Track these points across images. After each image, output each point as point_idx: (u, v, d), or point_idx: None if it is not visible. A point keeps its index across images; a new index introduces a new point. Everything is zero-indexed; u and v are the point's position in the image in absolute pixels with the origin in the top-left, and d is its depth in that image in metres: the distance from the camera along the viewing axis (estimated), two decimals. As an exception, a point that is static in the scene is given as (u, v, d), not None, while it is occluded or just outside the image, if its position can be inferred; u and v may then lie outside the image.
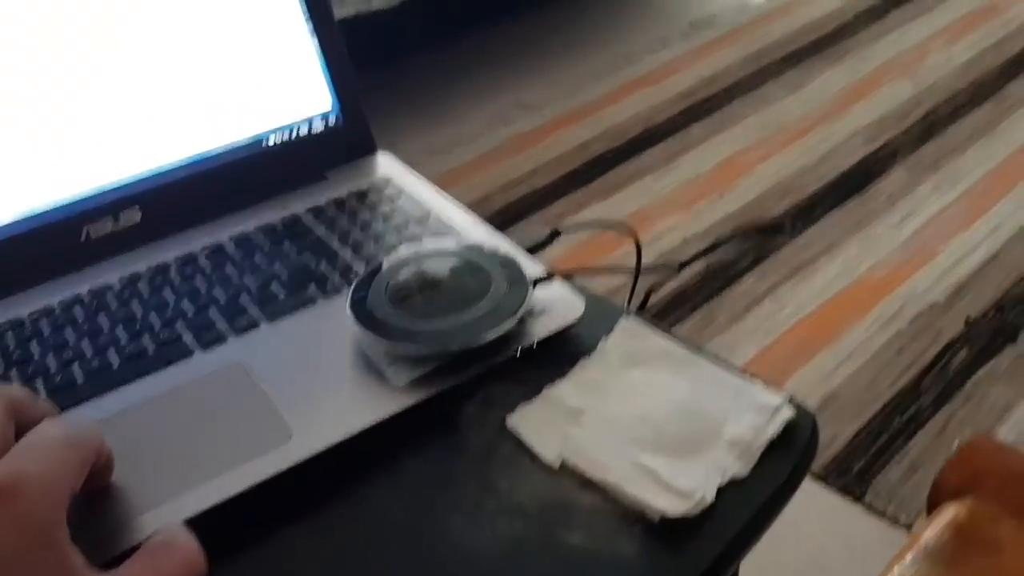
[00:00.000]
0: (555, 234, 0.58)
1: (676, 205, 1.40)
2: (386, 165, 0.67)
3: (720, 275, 1.24)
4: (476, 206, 1.44)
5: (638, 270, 0.58)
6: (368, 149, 0.68)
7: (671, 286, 1.22)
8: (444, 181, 1.56)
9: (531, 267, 0.52)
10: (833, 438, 0.99)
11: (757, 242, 1.31)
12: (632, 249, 0.61)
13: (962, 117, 1.57)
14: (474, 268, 0.50)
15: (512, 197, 1.46)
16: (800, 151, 1.51)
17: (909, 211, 1.34)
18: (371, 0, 1.58)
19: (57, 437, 0.34)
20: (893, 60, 1.78)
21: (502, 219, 1.41)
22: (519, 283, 0.49)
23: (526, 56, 1.96)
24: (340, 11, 1.56)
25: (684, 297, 1.21)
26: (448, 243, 0.53)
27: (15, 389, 0.36)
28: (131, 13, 0.58)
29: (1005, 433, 0.99)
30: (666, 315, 1.18)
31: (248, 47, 0.62)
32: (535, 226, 1.39)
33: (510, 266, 0.50)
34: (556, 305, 0.50)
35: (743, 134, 1.58)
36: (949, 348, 1.10)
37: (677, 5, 2.17)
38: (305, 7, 0.64)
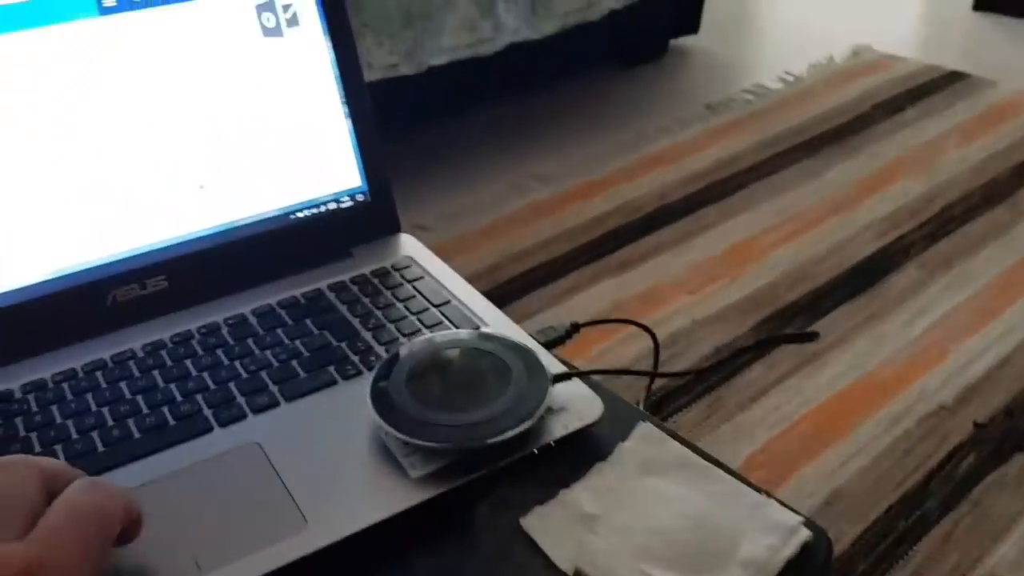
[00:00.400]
0: (574, 329, 0.58)
1: (688, 286, 1.41)
2: (409, 245, 0.68)
3: (729, 361, 1.24)
4: (487, 273, 1.45)
5: (655, 373, 0.59)
6: (392, 228, 0.69)
7: (675, 369, 1.22)
8: (456, 246, 1.59)
9: (551, 362, 0.53)
10: (837, 539, 0.98)
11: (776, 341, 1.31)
12: (647, 343, 0.61)
13: (975, 217, 1.58)
14: (494, 361, 0.50)
15: (524, 267, 1.47)
16: (813, 240, 1.52)
17: (920, 309, 1.35)
18: (398, 66, 1.61)
19: (85, 510, 0.35)
20: (908, 155, 1.80)
21: (513, 288, 1.42)
22: (539, 379, 0.49)
23: (544, 129, 1.99)
24: (368, 75, 1.59)
25: (692, 382, 1.21)
26: (469, 333, 0.53)
27: (48, 461, 0.36)
28: (170, 85, 0.59)
29: (1010, 546, 0.98)
30: (673, 399, 1.18)
31: (283, 122, 0.64)
32: (546, 299, 1.39)
33: (530, 361, 0.50)
34: (574, 404, 0.50)
35: (757, 219, 1.59)
36: (956, 452, 1.10)
37: (694, 87, 2.21)
38: (342, 88, 0.66)
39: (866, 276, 1.43)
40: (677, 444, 0.47)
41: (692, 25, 2.39)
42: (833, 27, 2.54)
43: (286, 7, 0.64)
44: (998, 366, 1.23)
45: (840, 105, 2.03)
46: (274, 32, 0.63)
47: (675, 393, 1.19)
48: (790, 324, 1.33)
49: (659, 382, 1.18)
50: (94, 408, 0.52)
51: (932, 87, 2.11)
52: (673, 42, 2.42)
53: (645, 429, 0.48)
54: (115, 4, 0.58)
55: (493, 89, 2.06)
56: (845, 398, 1.19)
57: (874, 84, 2.14)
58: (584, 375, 0.51)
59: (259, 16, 0.62)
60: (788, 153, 1.82)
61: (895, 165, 1.77)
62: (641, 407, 0.52)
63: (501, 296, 1.39)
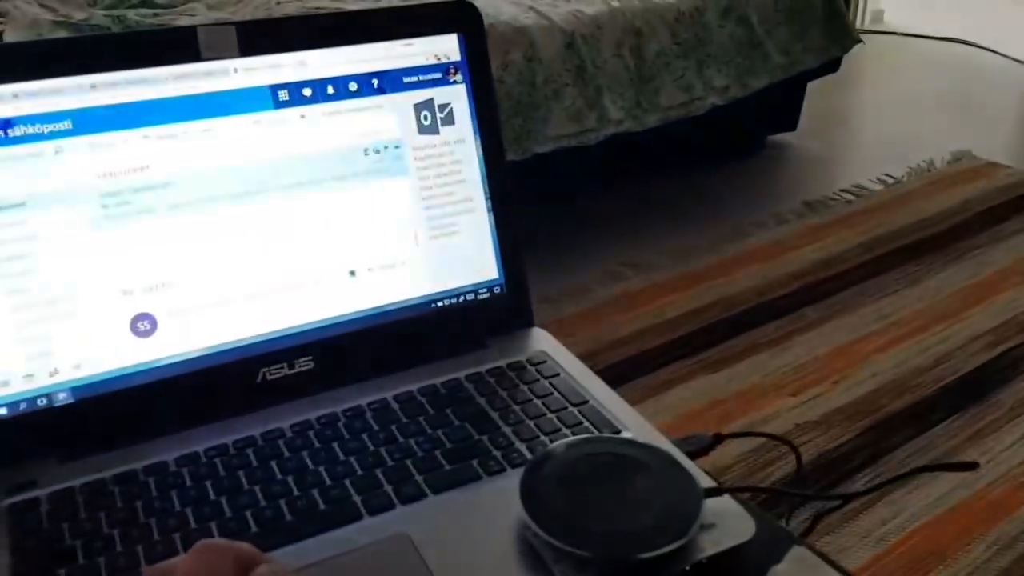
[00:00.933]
0: (718, 440, 0.58)
1: (788, 388, 1.39)
2: (543, 340, 0.69)
3: (835, 468, 1.21)
4: (584, 361, 1.45)
5: (810, 495, 0.58)
6: (527, 322, 0.71)
7: (779, 472, 1.20)
8: (554, 331, 1.58)
9: (699, 474, 0.53)
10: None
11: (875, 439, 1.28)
12: (787, 459, 0.60)
13: (1088, 334, 1.53)
14: (645, 469, 0.50)
15: (620, 356, 1.47)
16: (917, 348, 1.49)
17: (1033, 427, 1.30)
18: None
19: None
20: (1012, 267, 1.76)
21: (608, 378, 1.41)
22: (690, 492, 0.49)
23: (640, 219, 2.01)
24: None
25: (800, 488, 1.18)
26: (617, 439, 0.53)
27: (242, 546, 0.37)
28: (330, 176, 0.62)
29: None
30: (781, 502, 1.15)
31: (431, 214, 0.66)
32: (644, 390, 1.39)
33: (680, 472, 0.50)
34: (725, 521, 0.49)
35: (858, 322, 1.57)
36: (1075, 583, 1.04)
37: (791, 184, 2.21)
38: (487, 183, 0.68)
39: (975, 389, 1.39)
40: (832, 571, 0.46)
41: (791, 122, 2.40)
42: (933, 131, 2.52)
43: (443, 107, 0.67)
44: (1120, 495, 1.17)
45: (942, 210, 2.00)
46: (430, 130, 0.66)
47: (778, 495, 1.16)
48: (897, 434, 1.29)
49: (764, 477, 1.16)
50: (246, 486, 0.53)
51: (1037, 197, 2.07)
52: (771, 138, 2.44)
53: (799, 553, 0.48)
54: (288, 99, 0.61)
55: (595, 177, 2.09)
56: (953, 517, 1.14)
57: (976, 191, 2.11)
58: (739, 491, 0.50)
59: (417, 114, 0.66)
60: (888, 256, 1.79)
61: (1000, 276, 1.73)
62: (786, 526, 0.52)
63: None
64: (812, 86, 2.36)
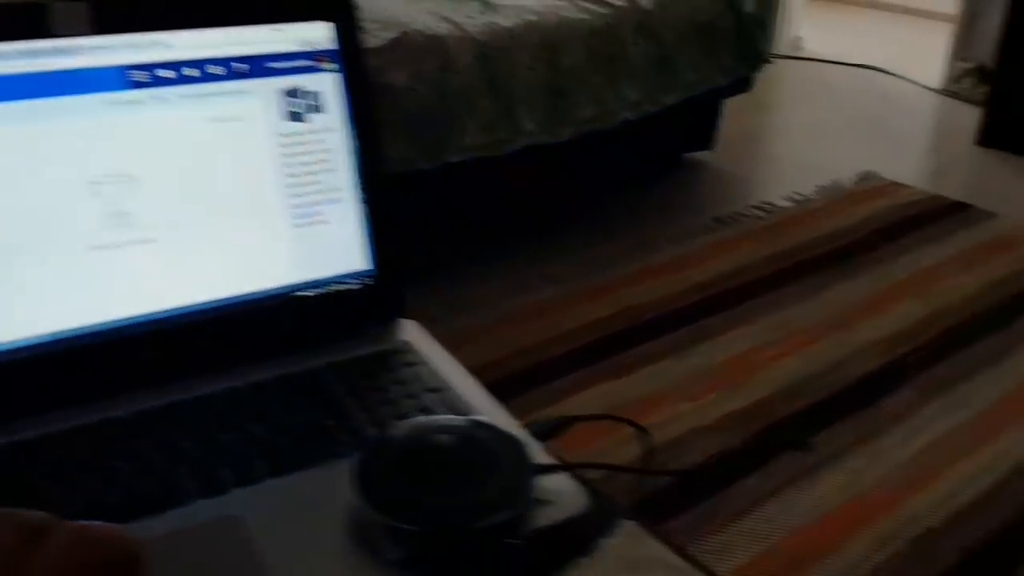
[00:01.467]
0: (565, 422, 0.59)
1: (685, 394, 1.41)
2: (412, 331, 0.69)
3: (724, 471, 1.24)
4: (489, 368, 1.46)
5: (642, 470, 0.59)
6: (397, 313, 0.71)
7: (666, 478, 1.22)
8: (461, 338, 1.59)
9: (538, 454, 0.53)
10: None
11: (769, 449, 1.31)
12: (635, 442, 0.62)
13: (972, 343, 1.59)
14: (481, 448, 0.51)
15: (525, 364, 1.48)
16: (812, 356, 1.53)
17: (916, 430, 1.35)
18: (416, 161, 1.66)
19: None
20: (908, 279, 1.83)
21: (512, 385, 1.42)
22: (524, 469, 0.50)
23: (557, 232, 2.03)
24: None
25: (686, 488, 1.20)
26: (457, 419, 0.54)
27: (34, 513, 0.36)
28: (190, 158, 0.62)
29: None
30: (666, 505, 1.17)
31: (298, 201, 0.66)
32: (544, 396, 1.40)
33: (517, 451, 0.51)
34: (558, 496, 0.50)
35: (758, 332, 1.61)
36: (946, 578, 1.08)
37: (704, 201, 2.26)
38: (360, 173, 0.68)
39: (863, 395, 1.43)
40: (660, 544, 0.48)
41: (706, 142, 2.46)
42: (843, 153, 2.61)
43: (311, 94, 0.66)
44: (989, 492, 1.22)
45: (844, 227, 2.07)
46: (297, 117, 0.66)
47: (667, 499, 1.18)
48: (785, 438, 1.32)
49: (652, 486, 1.18)
50: (76, 472, 0.52)
51: (934, 215, 2.15)
52: (688, 156, 2.49)
53: (629, 527, 0.49)
54: (144, 80, 0.61)
55: (510, 190, 2.11)
56: (838, 516, 1.18)
57: (878, 209, 2.18)
58: (570, 468, 0.51)
59: (283, 101, 0.65)
60: (791, 270, 1.85)
61: (895, 288, 1.79)
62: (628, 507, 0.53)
63: (499, 391, 1.39)
64: (731, 108, 2.42)
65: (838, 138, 2.78)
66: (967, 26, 3.13)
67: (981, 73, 2.93)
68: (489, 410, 0.59)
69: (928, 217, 2.14)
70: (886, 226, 2.08)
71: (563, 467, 0.52)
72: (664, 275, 1.81)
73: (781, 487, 1.22)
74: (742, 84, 2.31)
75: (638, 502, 0.96)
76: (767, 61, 2.31)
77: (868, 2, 4.57)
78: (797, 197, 2.25)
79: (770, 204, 2.21)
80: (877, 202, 2.23)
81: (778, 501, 1.20)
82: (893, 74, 3.45)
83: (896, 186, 2.34)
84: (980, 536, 1.15)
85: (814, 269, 1.85)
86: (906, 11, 4.39)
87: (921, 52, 3.55)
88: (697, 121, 2.41)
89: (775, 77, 3.40)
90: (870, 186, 2.33)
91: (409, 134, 1.63)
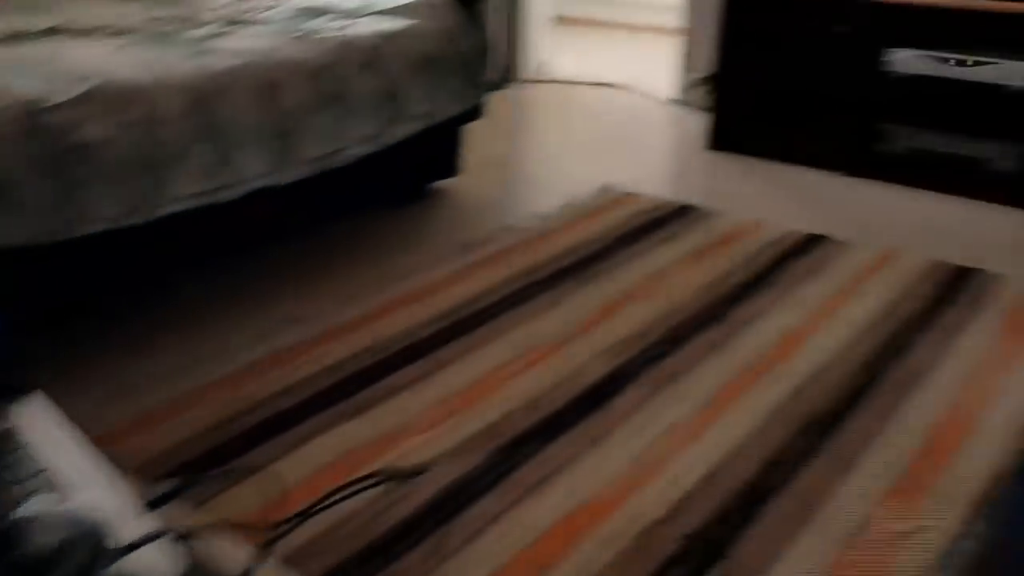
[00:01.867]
0: (182, 487, 0.56)
1: (427, 423, 1.41)
2: (28, 413, 0.64)
3: (462, 494, 1.25)
4: (220, 427, 1.40)
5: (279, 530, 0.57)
6: (11, 395, 0.65)
7: (402, 510, 1.21)
8: (188, 400, 1.49)
9: (138, 528, 0.50)
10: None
11: (500, 460, 1.33)
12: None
13: (697, 335, 1.70)
14: (50, 539, 0.47)
15: (257, 418, 1.42)
16: (549, 369, 1.58)
17: (642, 426, 1.41)
18: (123, 217, 1.57)
19: None
20: (641, 282, 1.93)
21: (246, 441, 1.37)
22: (101, 555, 0.46)
23: (300, 275, 1.99)
24: (91, 227, 1.54)
25: (417, 519, 1.20)
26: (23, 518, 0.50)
27: None
28: None
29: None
30: (402, 539, 1.16)
31: None
32: (280, 447, 1.35)
33: (94, 536, 0.48)
34: (150, 572, 0.48)
35: (499, 351, 1.64)
36: (666, 568, 1.13)
37: (451, 228, 2.29)
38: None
39: (596, 399, 1.49)
40: None
41: (450, 170, 2.50)
42: (586, 170, 2.73)
43: None
44: (709, 476, 1.30)
45: (582, 240, 2.16)
46: None
47: (403, 532, 1.17)
48: (520, 454, 1.35)
49: (388, 522, 1.17)
50: None
51: (665, 219, 2.29)
52: (434, 185, 2.52)
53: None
54: None
55: (245, 235, 2.04)
56: (569, 521, 1.21)
57: (615, 219, 2.30)
58: (182, 536, 0.48)
59: None
60: (530, 287, 1.90)
61: (629, 291, 1.89)
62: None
63: (231, 450, 1.34)
64: (477, 134, 2.47)
65: (582, 155, 2.91)
66: (693, 38, 3.37)
67: (709, 81, 3.17)
68: (100, 485, 0.55)
69: (660, 222, 2.28)
70: (621, 235, 2.19)
71: (160, 537, 0.49)
72: (408, 305, 1.81)
73: (518, 501, 1.24)
74: (476, 112, 2.37)
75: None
76: (492, 88, 2.38)
77: (607, 23, 4.85)
78: (540, 217, 2.33)
79: (514, 226, 2.27)
80: (614, 212, 2.34)
81: (514, 516, 1.22)
82: (632, 89, 3.67)
83: (630, 195, 2.47)
84: (700, 520, 1.22)
85: (551, 284, 1.92)
86: (642, 28, 4.70)
87: (657, 66, 3.80)
88: (439, 150, 2.45)
89: (522, 101, 3.53)
90: (606, 198, 2.45)
91: (111, 191, 1.54)
